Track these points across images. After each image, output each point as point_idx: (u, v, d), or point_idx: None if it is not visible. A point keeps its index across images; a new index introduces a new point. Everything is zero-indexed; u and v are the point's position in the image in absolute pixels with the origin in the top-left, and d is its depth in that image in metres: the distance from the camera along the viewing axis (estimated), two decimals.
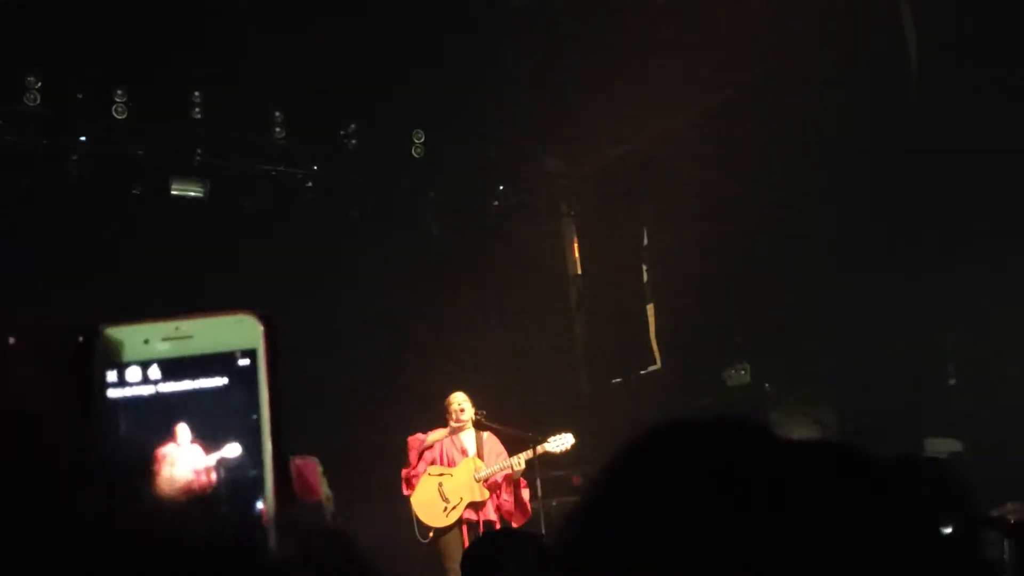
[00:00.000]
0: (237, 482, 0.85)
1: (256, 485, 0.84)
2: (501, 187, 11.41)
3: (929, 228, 7.90)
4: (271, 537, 0.83)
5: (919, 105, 8.10)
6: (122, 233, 9.17)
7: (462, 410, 8.25)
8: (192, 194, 9.86)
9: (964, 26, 7.68)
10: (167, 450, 0.84)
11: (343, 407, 9.72)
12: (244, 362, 0.84)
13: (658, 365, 10.26)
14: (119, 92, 9.19)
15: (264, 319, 0.85)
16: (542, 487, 8.43)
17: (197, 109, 9.58)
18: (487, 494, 8.12)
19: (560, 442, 8.13)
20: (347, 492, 8.43)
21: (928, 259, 7.90)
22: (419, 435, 8.30)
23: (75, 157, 9.37)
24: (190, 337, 0.84)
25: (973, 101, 7.68)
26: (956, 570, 0.85)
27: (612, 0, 9.02)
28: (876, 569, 0.79)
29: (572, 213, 11.45)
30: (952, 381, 8.05)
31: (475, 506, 8.10)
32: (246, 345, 0.84)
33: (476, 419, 8.26)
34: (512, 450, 8.19)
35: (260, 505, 0.84)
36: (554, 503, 8.55)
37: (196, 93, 9.54)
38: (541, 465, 8.33)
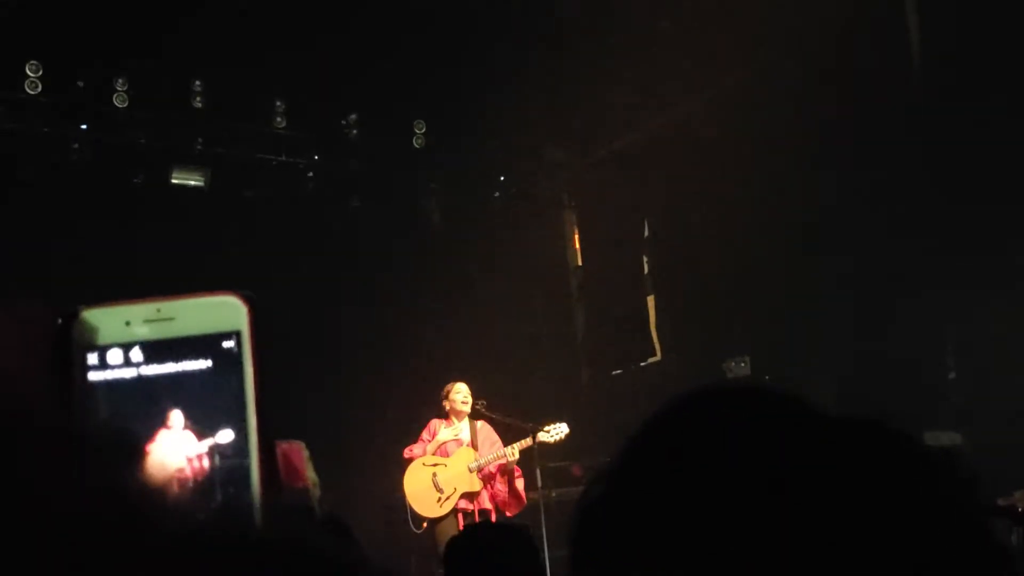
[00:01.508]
0: (223, 467, 0.83)
1: (242, 469, 0.83)
2: (502, 177, 11.39)
3: (931, 221, 7.88)
4: (258, 523, 0.82)
5: (922, 99, 8.09)
6: (123, 222, 9.16)
7: (465, 402, 8.25)
8: (193, 183, 9.85)
9: (968, 26, 7.65)
10: (159, 436, 0.83)
11: (342, 395, 9.73)
12: (228, 344, 0.83)
13: (658, 356, 10.25)
14: (120, 81, 9.18)
15: (248, 300, 0.83)
16: (542, 478, 8.43)
17: (198, 98, 9.57)
18: (481, 484, 8.12)
19: (555, 432, 8.13)
20: (343, 481, 8.46)
21: (929, 252, 7.88)
22: (436, 421, 8.32)
23: (76, 146, 9.37)
24: (172, 319, 0.82)
25: (977, 98, 7.66)
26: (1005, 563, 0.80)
27: None
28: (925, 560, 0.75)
29: (573, 204, 11.44)
30: (952, 374, 8.04)
31: (469, 496, 8.10)
32: (230, 327, 0.83)
33: (473, 408, 8.27)
34: (508, 439, 8.19)
35: (247, 490, 0.83)
36: (554, 494, 8.55)
37: (197, 82, 9.53)
38: (541, 455, 8.33)
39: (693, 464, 0.79)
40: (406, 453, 8.28)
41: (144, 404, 0.81)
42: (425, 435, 8.33)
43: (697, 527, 0.76)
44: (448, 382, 8.39)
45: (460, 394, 8.29)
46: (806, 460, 0.78)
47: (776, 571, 0.74)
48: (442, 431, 8.28)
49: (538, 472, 8.33)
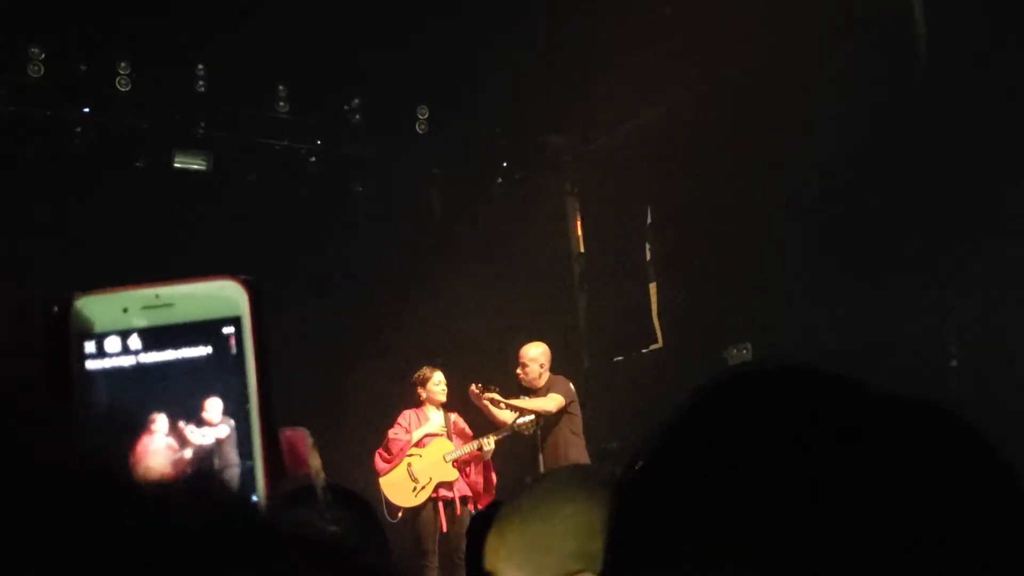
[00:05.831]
0: (226, 455, 0.82)
1: (245, 457, 0.81)
2: (504, 164, 11.36)
3: (932, 209, 7.86)
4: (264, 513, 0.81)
5: (924, 84, 8.06)
6: (125, 205, 9.15)
7: (444, 391, 8.37)
8: (195, 167, 9.83)
9: (977, 27, 7.60)
10: (156, 426, 0.81)
11: (341, 381, 9.74)
12: (228, 330, 0.81)
13: (660, 344, 10.23)
14: (123, 64, 9.15)
15: (249, 285, 0.81)
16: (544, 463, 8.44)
17: (201, 82, 9.53)
18: (457, 474, 8.18)
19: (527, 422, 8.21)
20: (348, 469, 8.45)
21: (931, 240, 7.86)
22: (409, 412, 8.40)
23: (78, 129, 9.35)
24: (171, 305, 0.80)
25: (980, 85, 7.63)
26: None
27: None
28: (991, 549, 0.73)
29: (575, 191, 11.39)
30: (954, 363, 8.02)
31: (446, 484, 8.17)
32: (230, 313, 0.80)
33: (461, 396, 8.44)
34: (479, 432, 8.30)
35: (251, 478, 0.81)
36: None
37: (200, 66, 9.50)
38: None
39: (743, 441, 0.77)
40: (379, 457, 8.34)
41: (144, 392, 0.79)
42: (403, 421, 8.38)
43: (745, 506, 0.74)
44: (424, 368, 8.47)
45: (440, 384, 8.35)
46: (859, 439, 0.76)
47: (826, 553, 0.72)
48: (426, 423, 8.34)
49: (540, 458, 8.34)
